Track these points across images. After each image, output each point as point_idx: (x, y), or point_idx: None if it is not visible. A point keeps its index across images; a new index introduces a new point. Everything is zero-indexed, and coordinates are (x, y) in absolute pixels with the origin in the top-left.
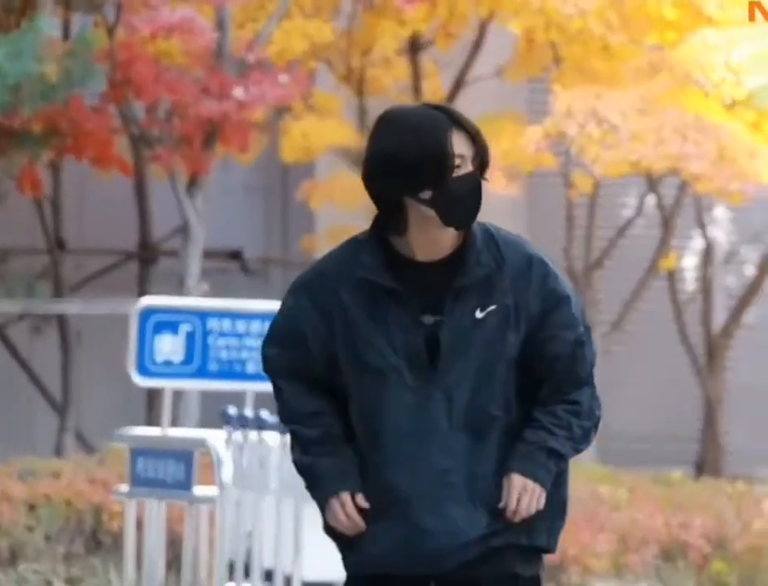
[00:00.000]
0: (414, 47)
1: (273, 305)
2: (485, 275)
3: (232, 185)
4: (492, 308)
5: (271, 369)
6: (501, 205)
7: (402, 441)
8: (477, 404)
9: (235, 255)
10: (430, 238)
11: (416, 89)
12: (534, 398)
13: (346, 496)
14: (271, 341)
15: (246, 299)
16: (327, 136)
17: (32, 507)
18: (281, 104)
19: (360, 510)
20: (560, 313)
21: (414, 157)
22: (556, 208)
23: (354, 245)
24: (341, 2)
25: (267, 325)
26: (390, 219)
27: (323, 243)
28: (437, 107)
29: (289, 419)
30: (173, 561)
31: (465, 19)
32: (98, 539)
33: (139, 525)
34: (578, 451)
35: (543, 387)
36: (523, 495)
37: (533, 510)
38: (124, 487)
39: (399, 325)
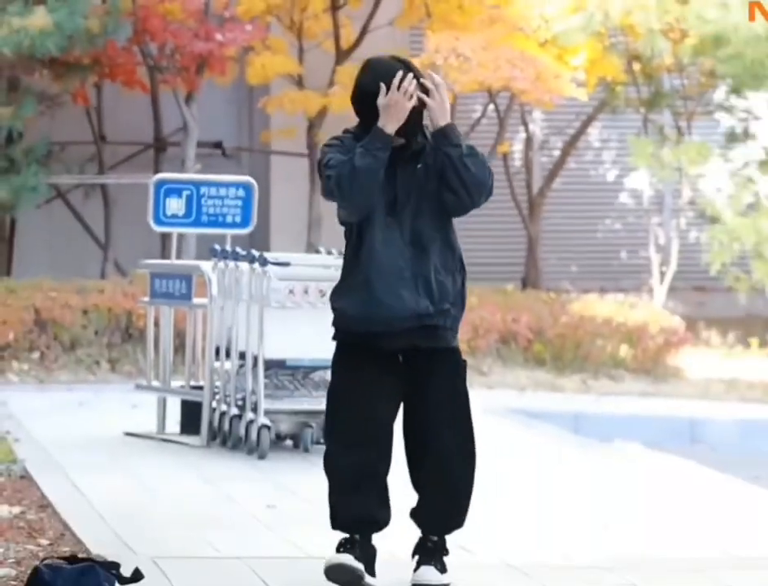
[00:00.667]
0: (335, 7)
1: (242, 179)
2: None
3: (215, 98)
4: (421, 165)
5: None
6: None
7: (379, 250)
8: (417, 227)
9: (217, 145)
10: None
11: (336, 36)
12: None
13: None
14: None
15: (225, 174)
16: (278, 66)
17: (85, 312)
18: (247, 45)
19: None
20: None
21: (376, 91)
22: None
23: (351, 135)
24: None
25: (239, 191)
26: (369, 124)
27: (276, 136)
28: (399, 60)
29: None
30: (179, 347)
31: None
32: (130, 333)
33: (156, 323)
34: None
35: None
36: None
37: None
38: (146, 299)
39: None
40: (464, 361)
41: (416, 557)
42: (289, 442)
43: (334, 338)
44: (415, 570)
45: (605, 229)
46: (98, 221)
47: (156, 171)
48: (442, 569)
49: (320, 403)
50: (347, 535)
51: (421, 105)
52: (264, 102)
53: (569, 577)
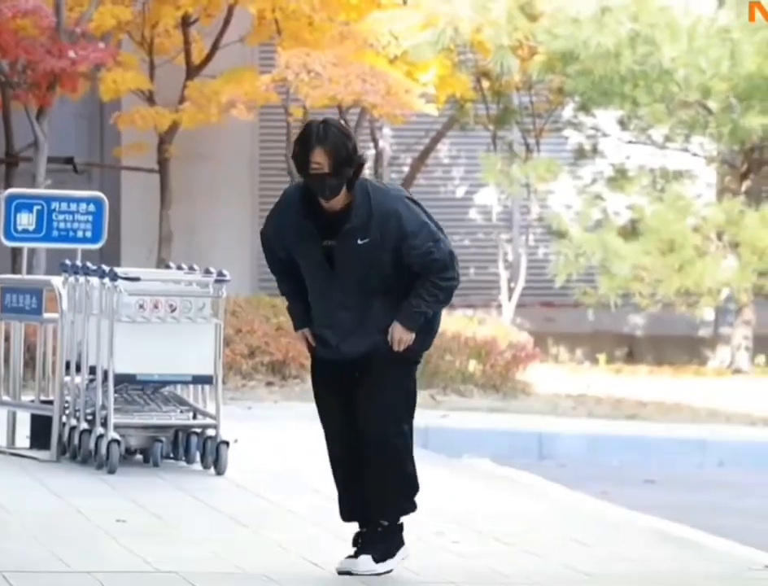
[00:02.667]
0: (185, 23)
1: (93, 194)
2: (360, 223)
3: (67, 113)
4: (366, 240)
5: (270, 270)
6: (244, 127)
7: (321, 303)
8: (362, 286)
9: (69, 161)
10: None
11: (187, 51)
12: (417, 276)
13: (306, 331)
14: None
15: (76, 190)
16: (129, 82)
17: None
18: (99, 62)
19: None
20: (409, 242)
21: (297, 162)
22: (279, 129)
23: (296, 195)
24: None
25: (90, 206)
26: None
27: (126, 152)
28: (322, 128)
29: (280, 289)
30: (29, 362)
31: (219, 4)
32: None
33: (6, 338)
34: (445, 304)
35: (419, 274)
36: (402, 337)
37: (406, 345)
38: None
39: (314, 245)
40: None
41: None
42: (139, 456)
43: (312, 359)
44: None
45: (454, 245)
46: None
47: (7, 186)
48: (380, 558)
49: (169, 418)
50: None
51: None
52: (115, 118)
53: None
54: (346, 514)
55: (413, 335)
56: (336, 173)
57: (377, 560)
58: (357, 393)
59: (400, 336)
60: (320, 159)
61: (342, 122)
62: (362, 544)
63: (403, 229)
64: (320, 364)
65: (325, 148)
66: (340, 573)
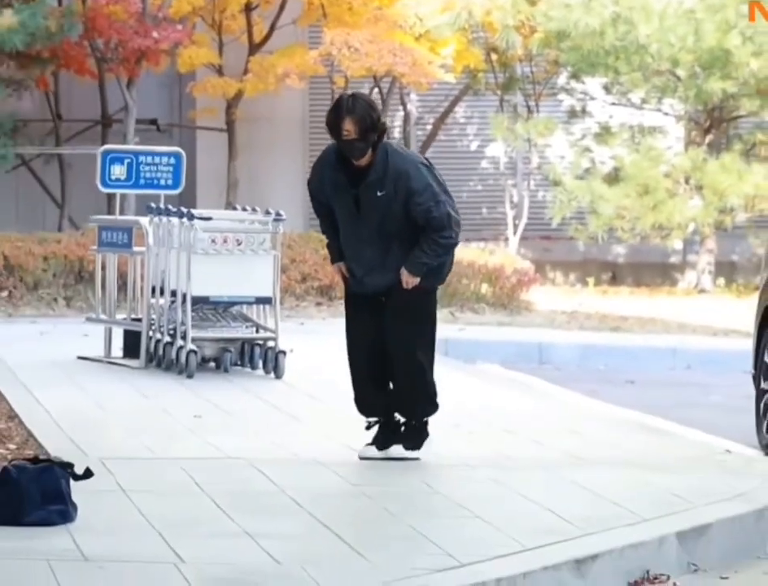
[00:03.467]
0: (248, 8)
1: (173, 149)
2: (377, 177)
3: (151, 83)
4: (383, 193)
5: (314, 212)
6: (296, 94)
7: (350, 241)
8: (382, 230)
9: (153, 122)
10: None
11: (249, 32)
12: (421, 230)
13: (341, 264)
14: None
15: (159, 146)
16: (202, 57)
17: (45, 258)
18: (178, 41)
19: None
20: (414, 199)
21: (330, 129)
22: (325, 96)
23: (332, 153)
24: None
25: (171, 159)
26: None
27: (200, 115)
28: (351, 101)
29: (321, 229)
30: (122, 287)
31: None
32: (82, 275)
33: (103, 267)
34: (445, 257)
35: (423, 227)
36: (408, 280)
37: (413, 286)
38: (95, 247)
39: (345, 194)
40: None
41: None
42: (212, 364)
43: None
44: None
45: (469, 190)
46: (56, 184)
47: (103, 143)
48: (410, 448)
49: (236, 332)
50: (370, 419)
51: (381, 134)
52: (190, 86)
53: (443, 474)
54: (367, 409)
55: (418, 279)
56: (362, 138)
57: (407, 448)
58: (385, 317)
59: (407, 279)
60: (349, 127)
61: (369, 94)
62: (396, 438)
63: (411, 187)
64: (352, 293)
65: (353, 118)
66: (361, 458)
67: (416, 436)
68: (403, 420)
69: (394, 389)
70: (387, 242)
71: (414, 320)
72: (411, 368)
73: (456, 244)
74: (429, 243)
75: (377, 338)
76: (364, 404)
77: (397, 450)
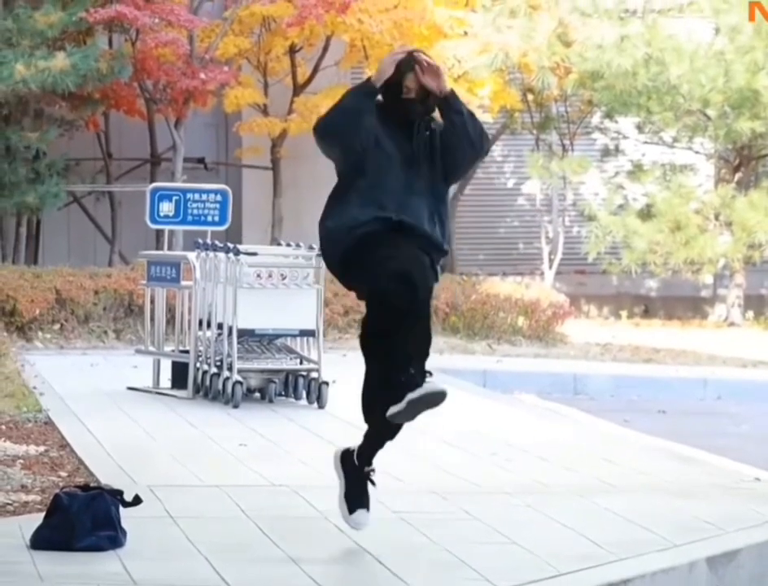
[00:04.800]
0: (292, 51)
1: (220, 187)
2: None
3: (198, 123)
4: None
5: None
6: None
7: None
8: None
9: (200, 161)
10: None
11: (293, 73)
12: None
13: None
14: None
15: (206, 183)
16: (248, 98)
17: (96, 292)
18: (224, 82)
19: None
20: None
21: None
22: None
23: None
24: (254, 26)
25: (218, 196)
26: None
27: (246, 153)
28: (415, 60)
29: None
30: (170, 320)
31: (319, 35)
32: (131, 308)
33: (152, 301)
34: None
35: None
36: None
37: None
38: (144, 282)
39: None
40: None
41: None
42: (257, 394)
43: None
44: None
45: (506, 226)
46: (106, 221)
47: (152, 180)
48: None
49: (281, 363)
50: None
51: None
52: (237, 126)
53: (481, 500)
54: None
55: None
56: (423, 101)
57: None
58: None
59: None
60: (410, 84)
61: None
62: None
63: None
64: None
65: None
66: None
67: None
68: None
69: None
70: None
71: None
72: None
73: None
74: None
75: None
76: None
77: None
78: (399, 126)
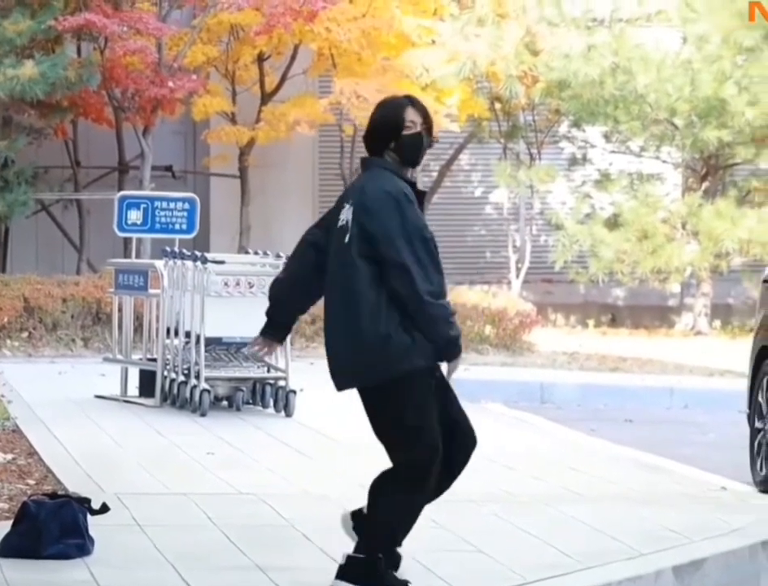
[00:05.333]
0: (260, 59)
1: (187, 195)
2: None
3: (166, 131)
4: None
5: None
6: (306, 141)
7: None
8: None
9: (168, 169)
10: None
11: (261, 82)
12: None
13: None
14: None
15: (174, 192)
16: (216, 106)
17: (64, 300)
18: (192, 90)
19: None
20: None
21: (390, 126)
22: (335, 143)
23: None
24: (222, 34)
25: (185, 204)
26: (378, 153)
27: (214, 161)
28: (406, 97)
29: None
30: (138, 328)
31: (287, 43)
32: (99, 317)
33: (119, 309)
34: None
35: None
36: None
37: None
38: (112, 290)
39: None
40: None
41: None
42: (225, 403)
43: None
44: None
45: (473, 235)
46: (74, 229)
47: (120, 189)
48: None
49: (248, 371)
50: None
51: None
52: (205, 134)
53: (448, 509)
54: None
55: None
56: (429, 133)
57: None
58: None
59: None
60: (414, 118)
61: None
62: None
63: None
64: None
65: (417, 108)
66: None
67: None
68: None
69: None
70: None
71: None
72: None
73: None
74: None
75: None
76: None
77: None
78: None
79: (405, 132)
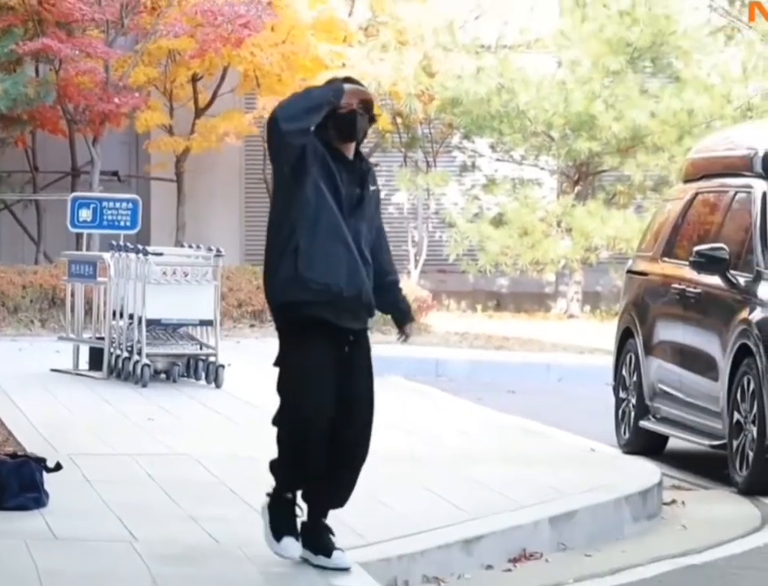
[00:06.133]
0: (194, 79)
1: (131, 196)
2: (368, 170)
3: (113, 141)
4: (375, 188)
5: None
6: (234, 150)
7: (333, 245)
8: (367, 238)
9: (114, 174)
10: (344, 146)
11: (195, 98)
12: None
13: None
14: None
15: (119, 193)
16: (156, 120)
17: (23, 287)
18: (135, 106)
19: None
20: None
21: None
22: (258, 152)
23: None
24: (161, 58)
25: (129, 204)
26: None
27: (154, 168)
28: (346, 80)
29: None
30: (88, 311)
31: (217, 66)
32: (55, 301)
33: (72, 294)
34: None
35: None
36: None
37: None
38: (66, 278)
39: (333, 178)
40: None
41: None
42: (163, 376)
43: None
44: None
45: None
46: (33, 225)
47: (72, 190)
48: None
49: (183, 348)
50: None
51: (369, 124)
52: (146, 144)
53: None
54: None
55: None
56: (371, 120)
57: (339, 549)
58: (355, 367)
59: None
60: (352, 100)
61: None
62: (329, 541)
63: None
64: (315, 326)
65: (355, 90)
66: (315, 564)
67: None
68: (309, 514)
69: (339, 467)
70: (365, 255)
71: (371, 375)
72: (366, 439)
73: None
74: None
75: (335, 394)
76: (307, 477)
77: (339, 558)
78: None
79: (340, 111)
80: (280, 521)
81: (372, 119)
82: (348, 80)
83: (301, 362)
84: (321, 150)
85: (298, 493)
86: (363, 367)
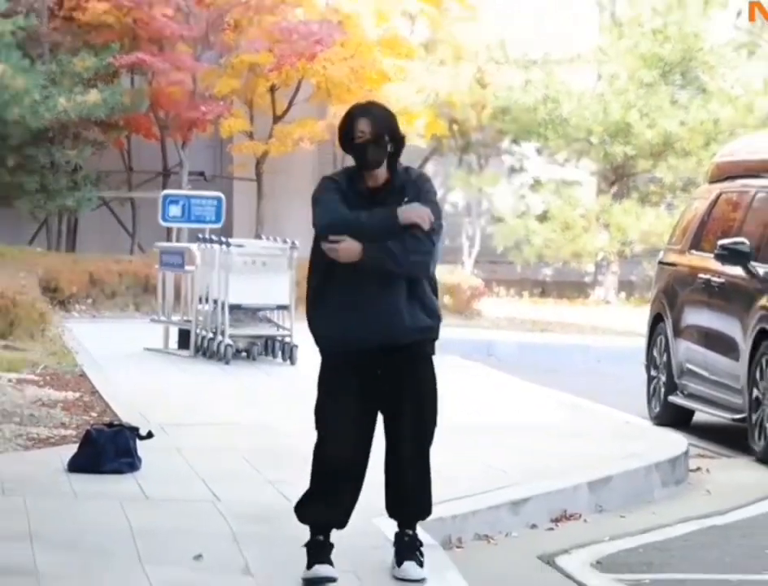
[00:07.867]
0: (272, 89)
1: (216, 194)
2: (397, 195)
3: (200, 145)
4: (407, 199)
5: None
6: (308, 154)
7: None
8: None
9: (201, 174)
10: (370, 174)
11: (273, 107)
12: None
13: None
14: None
15: (206, 191)
16: (238, 126)
17: (120, 275)
18: (220, 114)
19: None
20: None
21: (343, 134)
22: (329, 156)
23: (341, 176)
24: (243, 70)
25: (214, 201)
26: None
27: (236, 169)
28: (367, 104)
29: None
30: (177, 296)
31: (293, 78)
32: (147, 288)
33: (163, 282)
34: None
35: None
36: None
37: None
38: (158, 267)
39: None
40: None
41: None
42: (244, 354)
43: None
44: (398, 564)
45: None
46: (128, 219)
47: (164, 189)
48: (421, 564)
49: (262, 330)
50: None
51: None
52: (229, 148)
53: None
54: (338, 520)
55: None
56: (377, 142)
57: (419, 565)
58: (390, 398)
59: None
60: (364, 127)
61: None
62: (403, 553)
63: (428, 189)
64: (335, 354)
65: (368, 118)
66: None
67: (419, 547)
68: (396, 530)
69: (399, 489)
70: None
71: (432, 401)
72: (423, 465)
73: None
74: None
75: (367, 422)
76: (338, 510)
77: (415, 570)
78: None
79: (356, 141)
80: (314, 557)
81: (396, 141)
82: (371, 104)
83: (327, 391)
84: (344, 189)
85: (331, 533)
86: (410, 378)
